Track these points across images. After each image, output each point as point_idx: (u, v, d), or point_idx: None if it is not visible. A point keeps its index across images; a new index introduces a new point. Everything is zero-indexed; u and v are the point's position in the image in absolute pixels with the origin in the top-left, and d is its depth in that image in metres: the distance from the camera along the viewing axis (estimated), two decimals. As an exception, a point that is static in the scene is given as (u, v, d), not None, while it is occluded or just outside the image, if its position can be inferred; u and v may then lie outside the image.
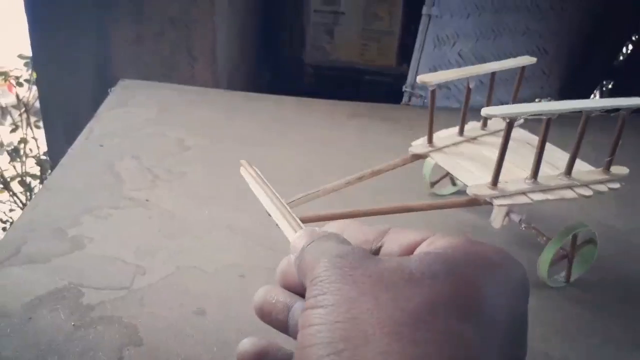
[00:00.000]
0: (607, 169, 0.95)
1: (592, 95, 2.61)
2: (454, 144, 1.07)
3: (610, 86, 2.64)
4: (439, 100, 1.98)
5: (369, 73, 2.07)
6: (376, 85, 2.06)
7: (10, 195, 2.69)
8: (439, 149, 1.05)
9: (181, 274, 0.96)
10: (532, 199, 0.88)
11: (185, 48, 1.91)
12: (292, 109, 1.59)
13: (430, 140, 1.06)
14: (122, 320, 0.84)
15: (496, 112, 0.84)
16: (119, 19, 1.90)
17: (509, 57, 2.13)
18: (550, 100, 2.79)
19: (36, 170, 2.62)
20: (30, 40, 1.95)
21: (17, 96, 3.01)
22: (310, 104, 1.46)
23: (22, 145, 2.85)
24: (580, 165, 0.98)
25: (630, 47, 2.57)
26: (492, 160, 0.95)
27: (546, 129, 0.85)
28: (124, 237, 1.01)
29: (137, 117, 1.47)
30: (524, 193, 0.89)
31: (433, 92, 1.00)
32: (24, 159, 2.80)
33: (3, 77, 3.10)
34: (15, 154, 2.93)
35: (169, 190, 1.18)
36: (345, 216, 0.90)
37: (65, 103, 1.96)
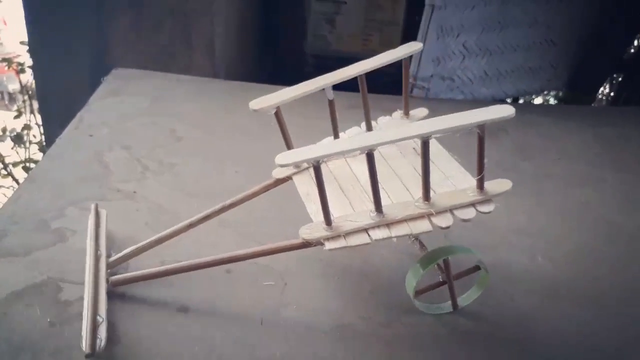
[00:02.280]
0: (479, 187, 0.77)
1: (601, 89, 2.55)
2: (328, 161, 0.91)
3: (620, 79, 2.57)
4: (443, 92, 1.93)
5: (371, 64, 2.01)
6: (379, 76, 2.01)
7: (13, 181, 2.66)
8: (305, 170, 0.89)
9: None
10: (372, 238, 0.74)
11: (184, 38, 1.87)
12: (290, 100, 1.54)
13: None
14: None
15: (289, 160, 0.70)
16: (117, 8, 1.87)
17: (516, 50, 2.09)
18: (558, 94, 2.71)
19: (39, 156, 2.60)
20: (26, 26, 1.92)
21: (20, 82, 2.98)
22: (309, 94, 1.41)
23: (25, 132, 2.83)
24: (458, 181, 0.81)
25: (641, 40, 2.50)
26: (357, 183, 0.85)
27: (370, 163, 0.70)
28: (109, 230, 0.97)
29: (129, 106, 1.44)
30: (365, 230, 0.75)
31: (277, 114, 0.86)
32: (27, 145, 2.78)
33: (7, 63, 3.07)
34: (18, 140, 2.90)
35: (158, 182, 1.15)
36: (160, 275, 0.83)
37: (61, 91, 1.93)
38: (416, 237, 0.88)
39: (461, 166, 0.85)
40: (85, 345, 0.72)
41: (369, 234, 0.76)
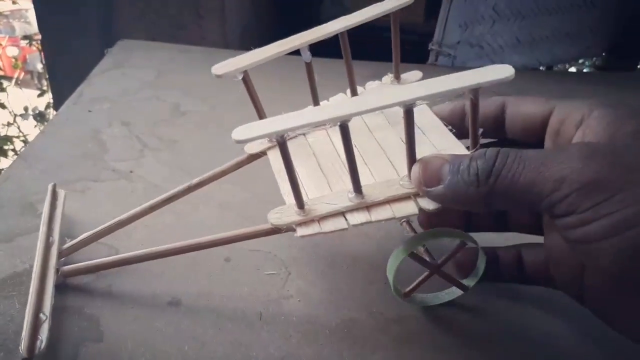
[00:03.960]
0: None
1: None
2: (307, 133, 0.79)
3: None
4: (471, 60, 1.79)
5: (393, 31, 1.88)
6: (401, 43, 1.87)
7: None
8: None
9: (159, 256, 0.84)
10: (349, 223, 0.63)
11: (193, 6, 1.78)
12: (305, 71, 1.43)
13: None
14: (84, 312, 0.74)
15: (246, 135, 0.59)
16: (125, -24, 1.78)
17: (551, 13, 1.92)
18: (595, 62, 2.52)
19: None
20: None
21: (42, 61, 2.96)
22: (325, 64, 1.30)
23: (48, 111, 2.80)
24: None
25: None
26: (338, 159, 0.72)
27: (345, 137, 0.58)
28: (100, 214, 0.90)
29: (133, 80, 1.36)
30: (342, 214, 0.65)
31: (244, 79, 0.74)
32: (49, 123, 2.76)
33: (28, 40, 3.04)
34: (40, 118, 2.88)
35: (156, 161, 1.07)
36: (118, 263, 0.75)
37: (70, 65, 1.86)
38: (407, 220, 0.76)
39: (457, 140, 0.73)
40: (22, 347, 0.63)
41: (346, 218, 0.65)
